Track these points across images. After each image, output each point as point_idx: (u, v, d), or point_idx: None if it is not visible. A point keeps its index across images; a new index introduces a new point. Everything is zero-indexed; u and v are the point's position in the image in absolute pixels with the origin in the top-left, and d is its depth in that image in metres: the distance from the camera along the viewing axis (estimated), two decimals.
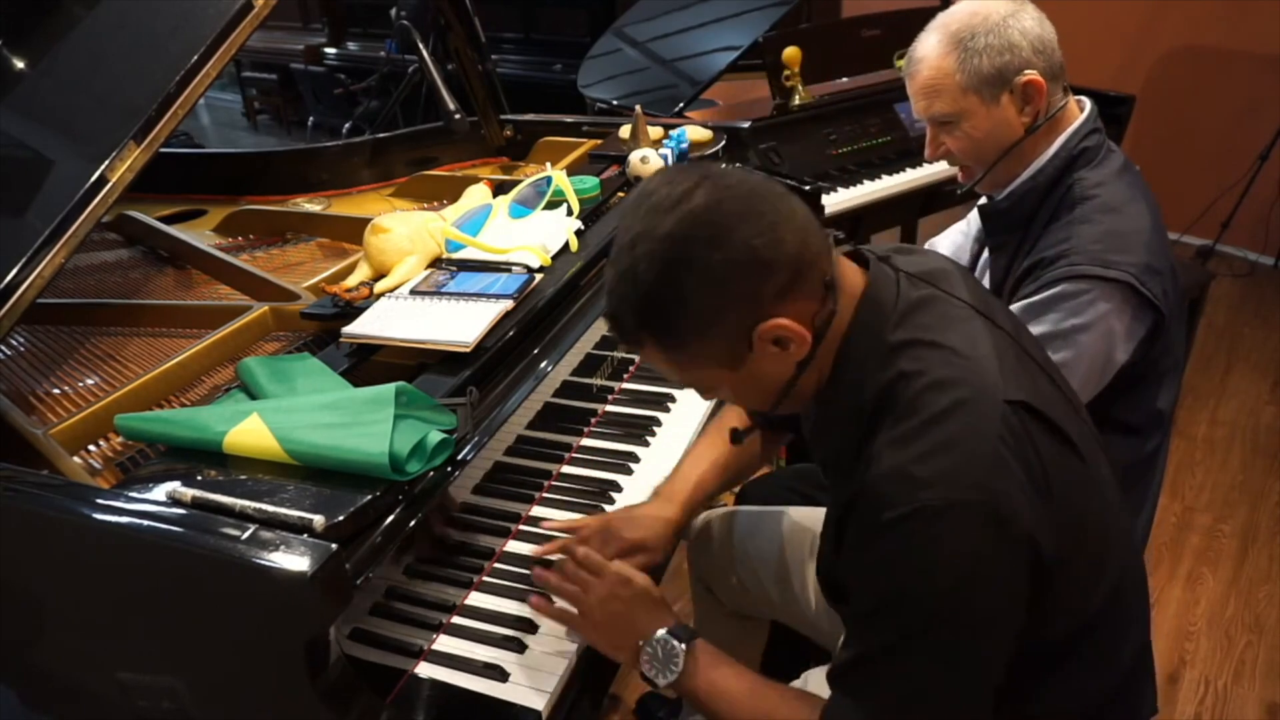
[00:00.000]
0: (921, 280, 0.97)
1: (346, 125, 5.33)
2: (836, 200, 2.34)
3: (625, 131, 1.96)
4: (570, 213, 1.57)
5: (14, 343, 1.39)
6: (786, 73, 2.44)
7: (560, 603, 1.09)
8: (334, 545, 0.87)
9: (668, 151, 1.79)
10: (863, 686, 0.91)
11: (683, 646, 1.01)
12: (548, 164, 1.81)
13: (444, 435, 1.05)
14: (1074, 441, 0.92)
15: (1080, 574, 0.92)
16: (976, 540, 0.83)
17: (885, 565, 0.86)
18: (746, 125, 2.26)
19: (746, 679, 1.01)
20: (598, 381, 1.52)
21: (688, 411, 1.52)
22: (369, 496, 0.96)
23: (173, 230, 1.73)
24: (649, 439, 1.45)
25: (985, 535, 0.83)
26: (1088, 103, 1.38)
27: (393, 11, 2.27)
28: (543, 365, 1.29)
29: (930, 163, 1.77)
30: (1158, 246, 1.30)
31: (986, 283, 1.46)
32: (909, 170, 2.48)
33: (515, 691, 1.03)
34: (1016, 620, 0.88)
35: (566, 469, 1.39)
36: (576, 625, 1.07)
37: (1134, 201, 1.31)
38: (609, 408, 1.53)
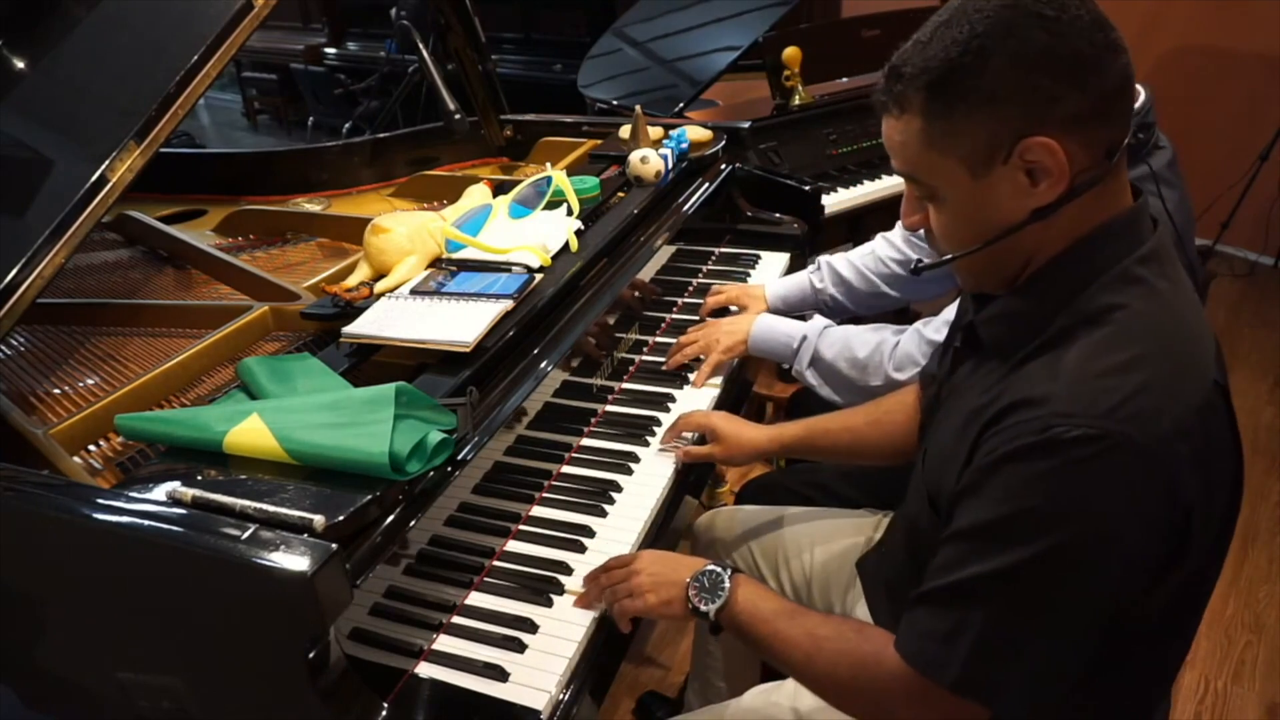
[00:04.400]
0: (1175, 255, 0.92)
1: (346, 125, 5.33)
2: (836, 200, 2.34)
3: (625, 131, 1.97)
4: (570, 213, 1.57)
5: (14, 343, 1.39)
6: (786, 73, 2.44)
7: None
8: (334, 545, 0.87)
9: (668, 152, 1.79)
10: (949, 608, 0.86)
11: (727, 572, 1.07)
12: (548, 164, 1.81)
13: (444, 435, 1.05)
14: (1240, 445, 0.91)
15: (1187, 578, 0.90)
16: (1140, 488, 0.79)
17: (1034, 481, 0.80)
18: (746, 125, 2.26)
19: (782, 601, 1.05)
20: (598, 381, 1.52)
21: (689, 411, 1.52)
22: (369, 496, 0.96)
23: (173, 230, 1.73)
24: (649, 439, 1.45)
25: (1150, 487, 0.80)
26: (1141, 95, 1.31)
27: (393, 11, 2.27)
28: (543, 365, 1.29)
29: None
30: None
31: None
32: None
33: (515, 691, 1.03)
34: (1135, 584, 0.85)
35: (566, 469, 1.39)
36: (638, 610, 1.10)
37: (1163, 204, 1.26)
38: (609, 408, 1.53)
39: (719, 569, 1.08)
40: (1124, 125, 0.87)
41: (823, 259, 1.82)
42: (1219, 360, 0.89)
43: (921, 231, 0.96)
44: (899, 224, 1.71)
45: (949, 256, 0.94)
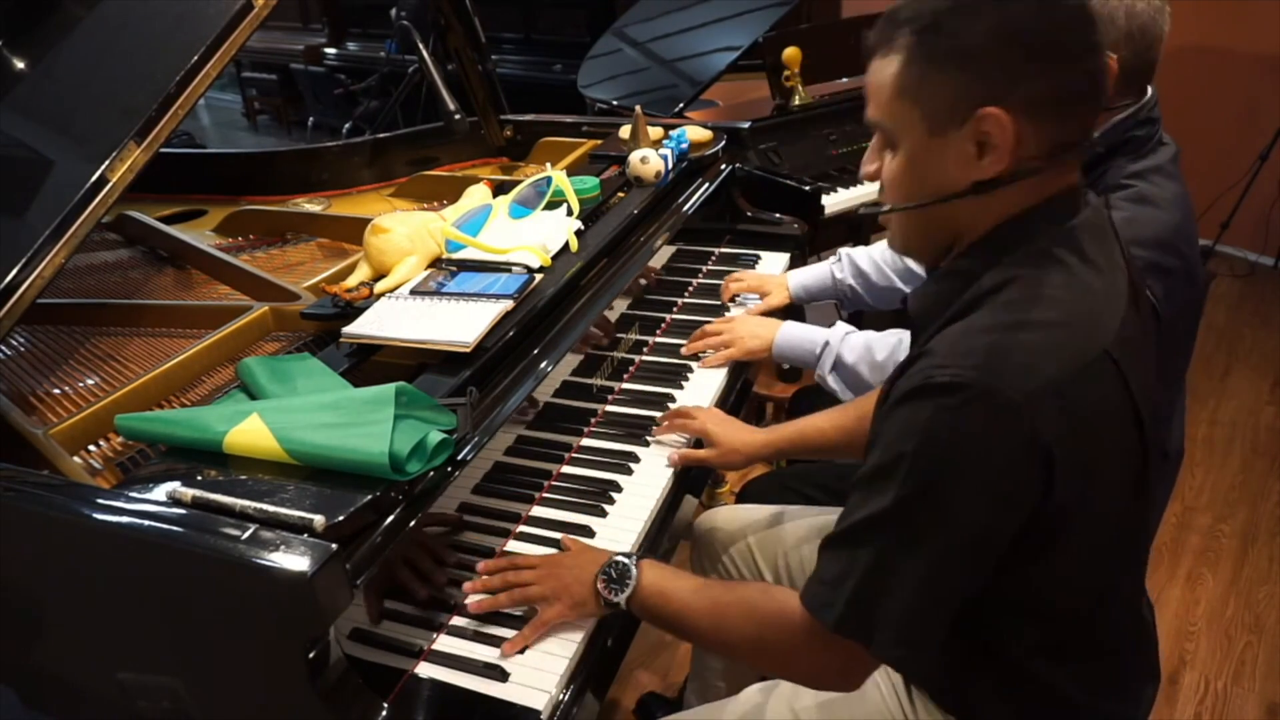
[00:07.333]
0: (1106, 235, 0.95)
1: (346, 125, 5.33)
2: (836, 200, 2.34)
3: (625, 132, 1.96)
4: (570, 213, 1.57)
5: (14, 343, 1.39)
6: (786, 73, 2.44)
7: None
8: (334, 545, 0.87)
9: (668, 152, 1.78)
10: (840, 553, 0.91)
11: (633, 561, 1.10)
12: (548, 164, 1.81)
13: (444, 435, 1.05)
14: (1144, 426, 0.92)
15: (1091, 540, 0.92)
16: (1001, 433, 0.82)
17: (909, 423, 0.85)
18: (746, 125, 2.26)
19: (690, 579, 1.09)
20: (598, 381, 1.52)
21: (687, 407, 1.52)
22: (369, 496, 0.96)
23: (173, 230, 1.73)
24: (649, 439, 1.45)
25: (1012, 433, 0.82)
26: (1148, 90, 1.33)
27: (393, 11, 2.27)
28: (543, 365, 1.29)
29: None
30: (1175, 245, 1.28)
31: None
32: None
33: (515, 691, 1.03)
34: (998, 537, 0.87)
35: (566, 469, 1.39)
36: (544, 614, 1.11)
37: (1165, 197, 1.29)
38: (609, 408, 1.53)
39: (623, 559, 1.11)
40: (1080, 130, 0.90)
41: (844, 250, 1.85)
42: (1125, 337, 0.90)
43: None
44: None
45: (888, 207, 0.98)
